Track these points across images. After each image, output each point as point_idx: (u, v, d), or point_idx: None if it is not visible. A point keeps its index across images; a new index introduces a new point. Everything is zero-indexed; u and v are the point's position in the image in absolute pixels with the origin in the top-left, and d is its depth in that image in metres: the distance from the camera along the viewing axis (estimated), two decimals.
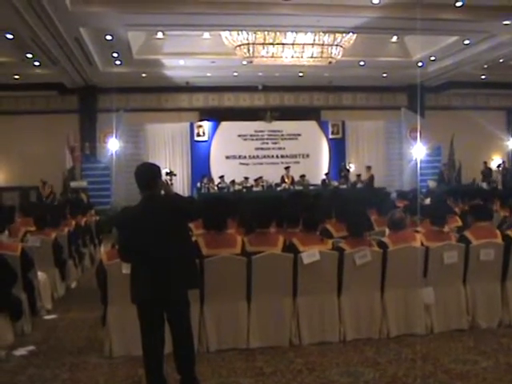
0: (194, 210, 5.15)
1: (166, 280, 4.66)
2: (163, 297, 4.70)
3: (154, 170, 4.97)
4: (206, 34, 17.89)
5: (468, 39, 16.70)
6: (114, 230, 5.95)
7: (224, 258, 6.01)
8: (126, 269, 5.22)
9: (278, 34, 16.23)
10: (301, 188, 19.42)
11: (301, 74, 20.34)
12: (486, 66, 20.01)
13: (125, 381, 5.28)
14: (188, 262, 4.93)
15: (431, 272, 6.44)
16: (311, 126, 23.28)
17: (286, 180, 20.65)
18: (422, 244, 6.60)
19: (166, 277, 4.66)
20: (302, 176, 20.82)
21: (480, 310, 6.60)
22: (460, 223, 8.43)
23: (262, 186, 20.33)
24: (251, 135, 22.80)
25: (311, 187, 20.15)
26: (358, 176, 21.07)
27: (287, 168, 21.18)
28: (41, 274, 7.97)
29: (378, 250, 6.36)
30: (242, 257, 6.07)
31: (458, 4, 13.64)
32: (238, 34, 16.21)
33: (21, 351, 6.22)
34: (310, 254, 6.09)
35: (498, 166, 22.90)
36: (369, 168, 21.44)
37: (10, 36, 15.11)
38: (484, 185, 20.38)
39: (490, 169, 22.60)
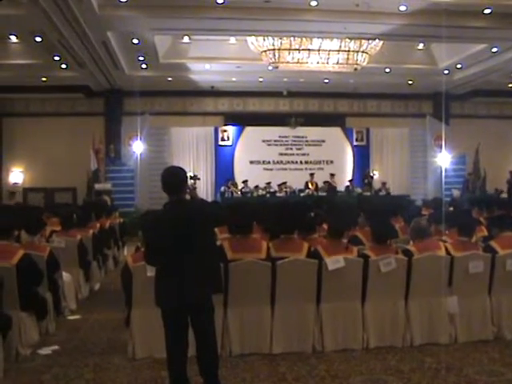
0: (221, 216, 5.16)
1: (191, 285, 4.66)
2: (188, 302, 4.69)
3: (182, 174, 4.94)
4: (232, 39, 18.01)
5: (495, 47, 16.59)
6: (140, 232, 5.98)
7: (249, 262, 6.01)
8: (150, 271, 5.23)
9: (303, 39, 16.26)
10: (324, 194, 19.40)
11: (326, 81, 20.34)
12: None
13: (148, 383, 5.30)
14: (213, 267, 4.93)
15: (456, 281, 6.38)
16: (335, 132, 23.25)
17: (310, 186, 20.59)
18: (449, 254, 6.55)
19: (191, 282, 4.66)
20: (326, 182, 20.77)
21: (505, 321, 6.52)
22: (485, 233, 8.34)
23: (286, 191, 20.32)
24: (275, 140, 22.84)
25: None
26: (384, 184, 20.97)
27: (312, 174, 21.13)
28: (65, 275, 8.05)
29: (403, 258, 6.32)
30: (267, 262, 6.07)
31: (487, 11, 13.56)
32: (264, 40, 16.27)
33: (45, 350, 6.27)
34: (335, 260, 6.07)
35: None
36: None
37: (38, 39, 15.34)
38: None
39: None
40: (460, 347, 6.23)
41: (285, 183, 20.69)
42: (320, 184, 20.79)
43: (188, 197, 4.98)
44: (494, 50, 16.78)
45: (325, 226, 7.82)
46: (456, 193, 20.12)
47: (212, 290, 4.87)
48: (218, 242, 6.60)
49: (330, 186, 20.54)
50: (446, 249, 6.61)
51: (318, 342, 6.14)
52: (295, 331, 6.11)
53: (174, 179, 4.85)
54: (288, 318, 6.09)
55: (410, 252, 6.46)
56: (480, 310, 6.48)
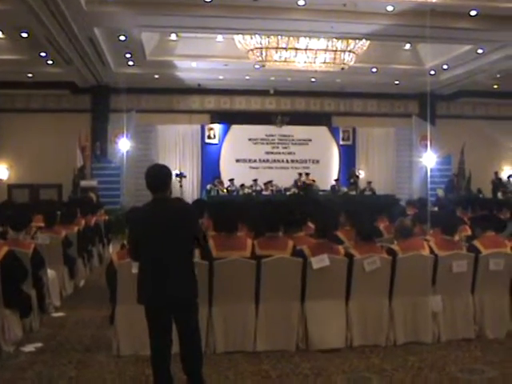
0: (199, 235, 5.13)
1: (174, 282, 4.67)
2: (171, 299, 4.70)
3: (166, 172, 4.93)
4: (220, 37, 17.99)
5: (481, 48, 16.70)
6: (126, 229, 5.98)
7: (234, 260, 6.03)
8: (135, 268, 5.22)
9: (291, 38, 16.28)
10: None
11: (313, 80, 20.38)
12: (498, 76, 19.99)
13: (132, 380, 5.30)
14: (191, 270, 4.91)
15: (440, 280, 6.43)
16: (322, 131, 23.28)
17: (299, 185, 20.61)
18: (432, 252, 6.60)
19: (174, 279, 4.67)
20: (312, 181, 20.80)
21: (488, 320, 6.58)
22: (469, 232, 8.40)
23: (272, 190, 20.34)
24: (262, 139, 22.84)
25: (320, 193, 20.18)
26: (369, 183, 21.04)
27: (300, 174, 21.15)
28: (50, 272, 8.01)
29: (388, 257, 6.36)
30: (252, 260, 6.08)
31: (473, 13, 13.65)
32: (251, 38, 16.27)
33: (29, 347, 6.26)
34: (320, 258, 6.09)
35: (509, 177, 22.74)
36: (307, 174, 21.36)
37: (24, 34, 15.25)
38: (499, 195, 20.28)
39: (500, 179, 22.48)
40: (443, 346, 6.29)
41: (271, 182, 20.70)
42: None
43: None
44: (480, 51, 16.89)
45: (310, 225, 7.87)
46: (440, 192, 20.25)
47: (195, 289, 4.86)
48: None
49: (304, 184, 20.54)
50: (430, 248, 6.66)
51: (301, 340, 6.16)
52: (279, 329, 6.13)
53: (158, 177, 4.84)
54: (272, 316, 6.11)
55: (394, 251, 6.50)
56: (463, 308, 6.54)
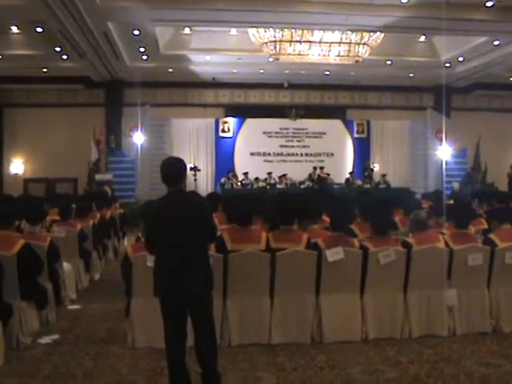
0: (213, 231, 5.14)
1: (188, 275, 4.68)
2: (186, 292, 4.71)
3: (180, 165, 4.93)
4: (233, 31, 17.95)
5: (497, 40, 16.54)
6: (142, 222, 6.00)
7: (248, 253, 6.04)
8: (150, 261, 5.24)
9: (305, 31, 16.20)
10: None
11: (327, 73, 20.30)
12: None
13: (147, 372, 5.33)
14: (206, 262, 4.92)
15: (455, 274, 6.41)
16: (336, 124, 23.21)
17: (314, 178, 20.59)
18: (447, 246, 6.57)
19: (188, 272, 4.68)
20: (327, 174, 20.77)
21: (504, 314, 6.54)
22: (486, 225, 8.36)
23: (286, 183, 20.35)
24: (276, 132, 22.81)
25: (335, 186, 20.15)
26: (384, 176, 20.97)
27: (315, 168, 21.13)
28: (66, 265, 8.08)
29: (403, 250, 6.34)
30: (267, 253, 6.09)
31: (489, 4, 13.53)
32: (265, 31, 16.22)
33: (45, 339, 6.33)
34: (335, 251, 6.09)
35: None
36: (322, 168, 21.29)
37: (39, 29, 15.30)
38: None
39: None
40: (458, 339, 6.26)
41: (285, 175, 20.72)
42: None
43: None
44: (496, 42, 16.74)
45: (325, 218, 7.86)
46: (456, 186, 20.13)
47: (210, 282, 4.88)
48: (218, 233, 6.63)
49: (319, 178, 20.52)
50: (445, 241, 6.63)
51: (316, 332, 6.17)
52: (294, 322, 6.15)
53: (173, 170, 4.85)
54: (287, 308, 6.13)
55: (409, 244, 6.48)
56: (479, 302, 6.51)
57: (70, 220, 9.18)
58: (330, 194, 11.74)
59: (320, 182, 20.05)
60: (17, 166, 21.50)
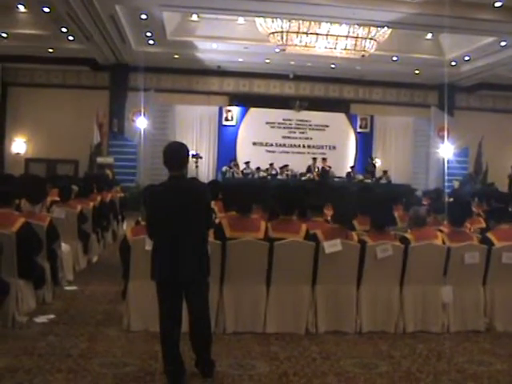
0: (210, 216, 5.15)
1: (185, 260, 4.71)
2: (182, 276, 4.73)
3: (183, 150, 4.95)
4: (241, 19, 17.94)
5: (504, 40, 16.51)
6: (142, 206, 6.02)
7: (246, 241, 6.07)
8: (149, 245, 5.27)
9: (312, 23, 16.18)
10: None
11: (332, 66, 20.28)
12: None
13: (142, 355, 5.35)
14: (204, 248, 4.94)
15: (451, 271, 6.43)
16: (340, 118, 23.21)
17: (313, 170, 20.59)
18: (444, 243, 6.60)
19: (185, 257, 4.71)
20: (328, 167, 20.78)
21: (498, 313, 6.57)
22: (484, 224, 8.39)
23: (287, 174, 20.36)
24: (279, 123, 22.81)
25: (336, 179, 20.17)
26: (385, 172, 20.99)
27: (314, 159, 21.13)
28: (64, 246, 8.10)
29: (400, 245, 6.37)
30: (265, 242, 6.11)
31: (497, 4, 13.51)
32: (273, 22, 16.19)
33: (41, 319, 6.36)
34: (332, 243, 6.12)
35: None
36: (325, 160, 21.28)
37: (46, 9, 15.31)
38: None
39: None
40: (452, 336, 6.30)
41: (286, 166, 20.72)
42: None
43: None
44: (503, 43, 16.71)
45: (326, 211, 7.88)
46: (457, 184, 20.16)
47: (207, 268, 4.90)
48: (217, 220, 6.67)
49: (323, 170, 20.54)
50: (442, 238, 6.66)
51: (311, 323, 6.20)
52: (289, 312, 6.18)
53: (176, 155, 4.87)
54: (283, 298, 6.16)
55: (407, 240, 6.51)
56: (473, 300, 6.54)
57: (70, 201, 9.20)
58: (330, 186, 11.72)
59: (322, 174, 20.05)
60: (18, 145, 21.51)
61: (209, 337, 4.92)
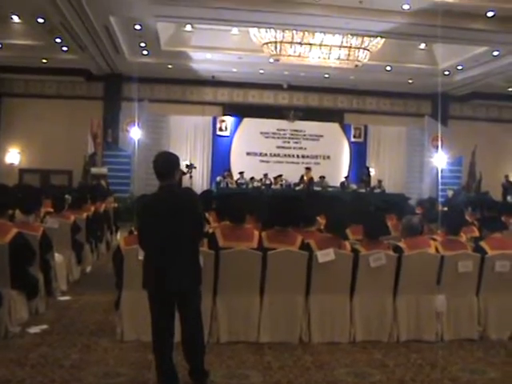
0: (201, 224, 5.14)
1: (177, 269, 4.70)
2: (173, 286, 4.72)
3: (173, 159, 4.97)
4: (235, 30, 18.02)
5: (497, 50, 16.65)
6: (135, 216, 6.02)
7: (240, 251, 6.06)
8: (142, 255, 5.25)
9: (306, 33, 16.27)
10: (319, 189, 19.44)
11: (326, 76, 20.36)
12: None
13: (134, 365, 5.34)
14: (195, 257, 4.93)
15: (445, 280, 6.43)
16: (334, 127, 23.29)
17: (305, 179, 20.60)
18: (437, 251, 6.61)
19: (177, 266, 4.70)
20: (322, 177, 20.82)
21: (491, 322, 6.57)
22: (477, 233, 8.41)
23: (281, 184, 20.38)
24: (273, 133, 22.87)
25: (330, 189, 20.18)
26: (380, 182, 21.05)
27: (307, 168, 21.14)
28: (57, 256, 8.07)
29: (393, 254, 6.37)
30: (258, 251, 6.11)
31: (489, 14, 13.60)
32: (267, 32, 16.28)
33: (34, 329, 6.32)
34: (325, 252, 6.12)
35: None
36: (308, 169, 21.23)
37: (40, 20, 15.32)
38: (509, 198, 20.16)
39: (511, 182, 22.38)
40: (445, 345, 6.29)
41: (280, 176, 20.76)
42: (316, 179, 20.77)
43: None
44: (495, 53, 16.84)
45: (320, 220, 7.88)
46: (451, 193, 20.20)
47: (198, 277, 4.90)
48: (210, 230, 6.67)
49: (310, 180, 20.56)
50: (435, 247, 6.67)
51: (305, 333, 6.19)
52: (283, 321, 6.16)
53: (165, 165, 4.88)
54: (276, 308, 6.14)
55: (401, 249, 6.51)
56: (467, 309, 6.53)
57: (63, 212, 9.18)
58: (317, 196, 11.69)
59: (309, 184, 20.09)
60: (12, 155, 21.50)
61: (201, 346, 4.90)
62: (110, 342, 5.97)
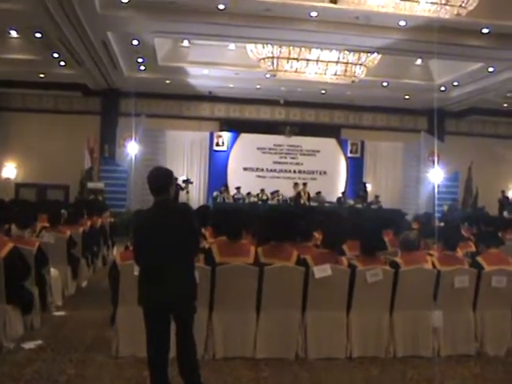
0: (197, 239, 5.12)
1: (172, 284, 4.68)
2: (169, 301, 4.71)
3: (167, 174, 4.98)
4: (232, 46, 18.06)
5: (492, 67, 16.73)
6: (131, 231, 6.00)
7: (236, 266, 6.04)
8: (137, 270, 5.23)
9: (303, 49, 16.32)
10: (316, 204, 19.44)
11: (323, 91, 20.42)
12: (508, 95, 20.04)
13: (129, 380, 5.32)
14: (190, 272, 4.91)
15: (441, 295, 6.41)
16: (330, 143, 23.33)
17: (302, 195, 20.59)
18: (434, 267, 6.59)
19: (172, 281, 4.68)
20: (318, 193, 20.82)
21: (488, 337, 6.55)
22: (473, 248, 8.40)
23: (278, 199, 20.37)
24: (270, 148, 22.89)
25: (326, 204, 20.17)
26: (377, 197, 21.06)
27: (305, 184, 21.12)
28: (53, 271, 8.04)
29: (390, 270, 6.36)
30: (255, 267, 6.09)
31: (485, 31, 13.68)
32: (263, 47, 16.31)
33: (29, 344, 6.28)
34: (322, 268, 6.10)
35: None
36: (296, 185, 21.16)
37: (38, 35, 15.38)
38: (505, 213, 20.20)
39: (507, 198, 22.43)
40: (442, 361, 6.26)
41: (277, 191, 20.76)
42: (312, 194, 20.78)
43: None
44: (491, 69, 16.92)
45: (316, 235, 7.86)
46: (447, 208, 20.22)
47: (194, 292, 4.88)
48: (207, 245, 6.65)
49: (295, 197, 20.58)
50: (432, 262, 6.66)
51: (301, 348, 6.16)
52: (279, 337, 6.13)
53: (159, 180, 4.89)
54: (273, 323, 6.11)
55: (397, 264, 6.50)
56: (464, 325, 6.51)
57: (59, 226, 9.16)
58: (313, 211, 11.69)
59: (295, 199, 20.09)
60: (9, 170, 21.47)
61: (196, 361, 4.87)
62: (106, 357, 5.93)
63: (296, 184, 21.08)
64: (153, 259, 4.72)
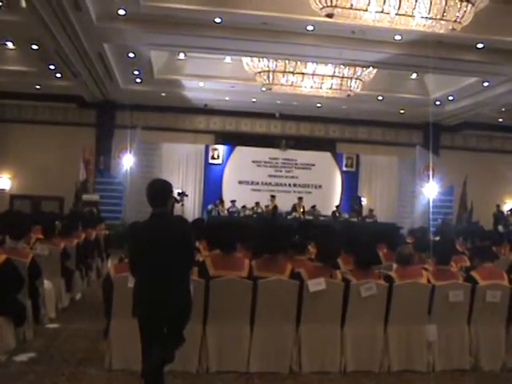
0: (192, 252, 5.10)
1: (167, 297, 4.66)
2: (163, 313, 4.68)
3: (166, 187, 4.99)
4: (228, 59, 18.08)
5: (487, 81, 16.81)
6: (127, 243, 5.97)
7: (230, 280, 6.02)
8: (131, 283, 5.21)
9: (298, 63, 16.33)
10: (311, 218, 19.41)
11: (318, 105, 20.47)
12: (503, 109, 20.14)
13: None
14: (186, 284, 4.89)
15: (436, 310, 6.41)
16: (325, 157, 23.35)
17: (298, 209, 20.56)
18: (429, 281, 6.58)
19: (167, 294, 4.66)
20: (313, 206, 20.82)
21: (483, 352, 6.53)
22: (468, 263, 8.39)
23: (273, 213, 20.32)
24: (265, 162, 22.91)
25: (321, 218, 20.15)
26: (371, 211, 21.06)
27: (300, 198, 21.07)
28: (46, 283, 7.99)
29: (384, 284, 6.35)
30: (249, 280, 6.07)
31: (479, 46, 13.75)
32: (259, 61, 16.34)
33: (21, 357, 6.24)
34: (316, 282, 6.09)
35: (510, 210, 22.72)
36: (273, 197, 21.04)
37: (34, 46, 15.40)
38: (500, 228, 20.20)
39: (502, 212, 22.47)
40: (437, 375, 6.26)
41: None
42: (307, 208, 20.76)
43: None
44: (486, 84, 17.00)
45: (311, 249, 7.85)
46: (440, 222, 20.22)
47: (189, 305, 4.85)
48: (201, 259, 6.63)
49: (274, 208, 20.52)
50: (427, 277, 6.65)
51: (295, 362, 6.13)
52: (273, 351, 6.11)
53: (158, 192, 4.89)
54: (267, 337, 6.09)
55: (392, 278, 6.49)
56: (458, 339, 6.50)
57: (53, 238, 9.12)
58: (308, 225, 11.66)
59: (273, 213, 20.09)
60: (4, 181, 21.43)
61: (161, 373, 4.81)
62: (99, 370, 5.90)
63: (273, 197, 20.99)
64: (149, 271, 4.70)
